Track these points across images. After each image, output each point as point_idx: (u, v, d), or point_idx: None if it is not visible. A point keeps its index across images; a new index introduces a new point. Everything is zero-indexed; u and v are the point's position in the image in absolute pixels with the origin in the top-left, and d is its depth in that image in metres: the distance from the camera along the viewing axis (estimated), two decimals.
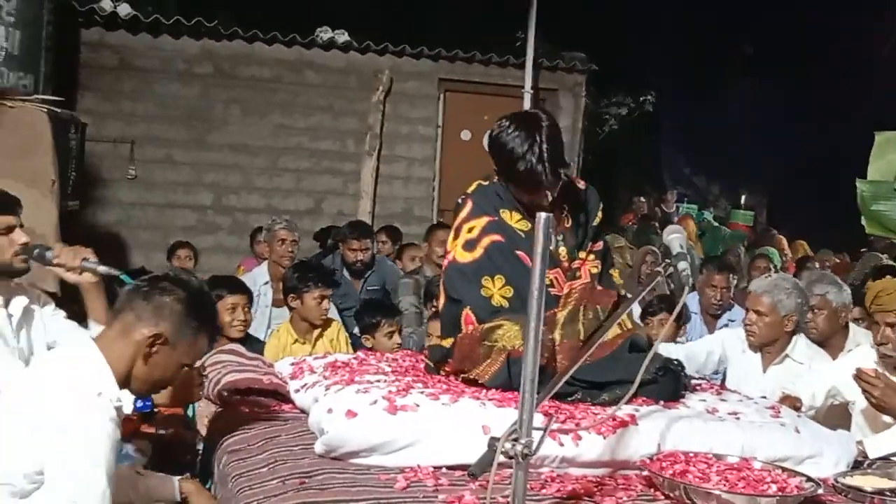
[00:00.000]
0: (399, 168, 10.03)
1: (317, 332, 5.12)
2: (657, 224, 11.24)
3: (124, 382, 2.49)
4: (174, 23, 9.05)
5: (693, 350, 4.73)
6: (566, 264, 3.04)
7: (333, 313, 5.94)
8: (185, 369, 2.63)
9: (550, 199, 2.93)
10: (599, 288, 3.06)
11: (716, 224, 12.91)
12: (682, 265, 2.57)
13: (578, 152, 10.31)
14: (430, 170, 10.20)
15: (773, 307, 4.38)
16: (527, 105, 9.77)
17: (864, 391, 3.41)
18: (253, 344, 4.77)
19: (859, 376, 3.41)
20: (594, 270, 3.07)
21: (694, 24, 14.67)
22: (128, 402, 2.47)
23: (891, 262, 7.26)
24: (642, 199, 13.10)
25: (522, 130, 2.88)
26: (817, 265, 8.53)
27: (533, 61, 9.86)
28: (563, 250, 3.05)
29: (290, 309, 5.18)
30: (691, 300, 6.02)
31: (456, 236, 3.05)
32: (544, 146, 2.85)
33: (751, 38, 16.20)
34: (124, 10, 8.95)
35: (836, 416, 3.86)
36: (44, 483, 2.28)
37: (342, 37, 9.66)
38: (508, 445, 1.91)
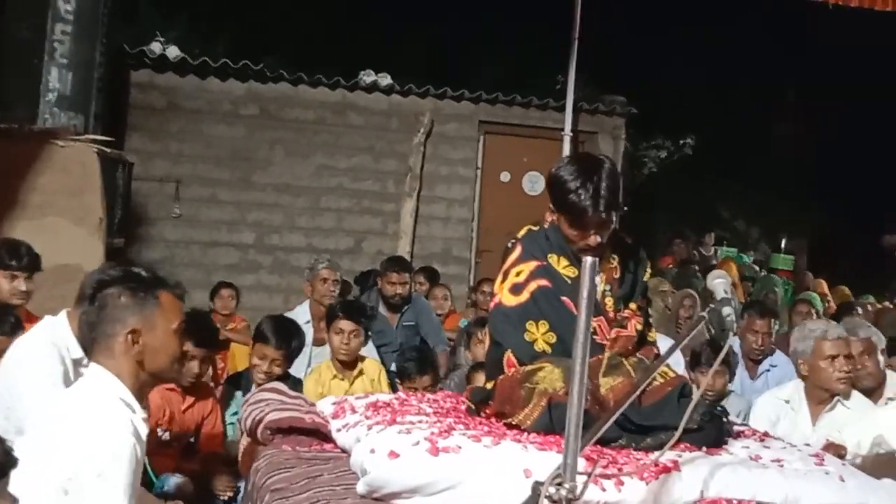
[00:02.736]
0: (438, 209, 10.10)
1: (356, 369, 5.15)
2: (697, 267, 11.17)
3: (139, 397, 2.50)
4: (221, 65, 9.26)
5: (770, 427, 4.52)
6: (611, 314, 3.04)
7: (374, 352, 6.00)
8: (184, 347, 2.63)
9: (598, 241, 2.94)
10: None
11: (757, 269, 12.77)
12: (727, 310, 2.58)
13: None
14: (469, 211, 10.26)
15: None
16: (566, 147, 9.82)
17: None
18: (294, 384, 4.79)
19: None
20: (639, 327, 3.07)
21: (734, 68, 14.66)
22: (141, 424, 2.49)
23: None
24: (681, 242, 13.02)
25: (581, 167, 2.92)
26: (860, 310, 8.42)
27: (573, 104, 9.90)
28: (609, 300, 3.05)
29: None
30: (735, 346, 5.95)
31: (504, 279, 3.07)
32: (601, 184, 2.87)
33: (793, 81, 16.16)
34: (173, 52, 9.18)
35: (885, 464, 3.78)
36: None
37: (385, 80, 9.80)
38: (552, 490, 1.91)
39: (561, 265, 3.04)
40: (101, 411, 2.39)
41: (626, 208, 2.96)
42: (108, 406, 2.40)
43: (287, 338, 4.74)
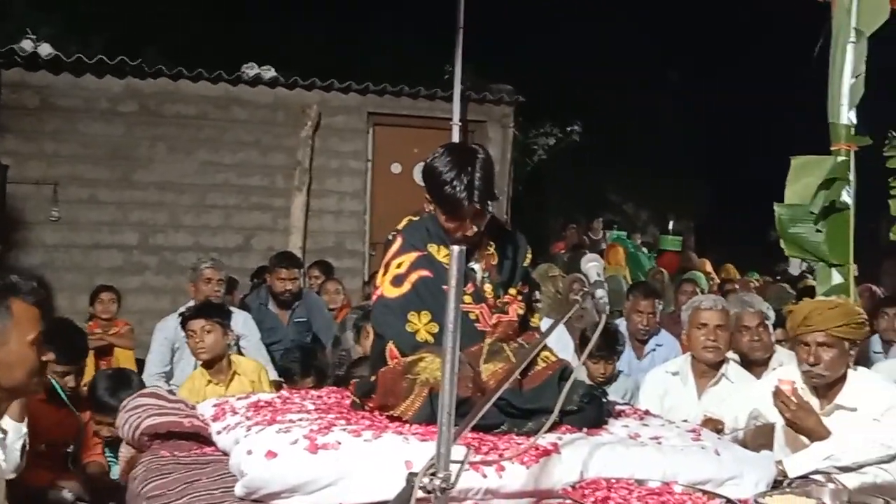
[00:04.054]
0: (329, 202, 10.01)
1: (230, 371, 5.02)
2: (588, 252, 11.34)
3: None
4: (97, 62, 8.95)
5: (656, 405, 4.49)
6: (492, 301, 3.05)
7: (263, 351, 5.90)
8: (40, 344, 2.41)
9: (475, 230, 2.96)
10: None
11: (633, 250, 13.00)
12: (600, 293, 2.62)
13: (508, 182, 10.40)
14: (361, 203, 10.19)
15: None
16: (455, 137, 9.85)
17: (779, 409, 3.46)
18: None
19: (776, 394, 3.47)
20: (520, 312, 3.09)
21: (619, 53, 14.94)
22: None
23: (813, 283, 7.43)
24: (573, 227, 13.25)
25: (455, 158, 2.94)
26: (738, 287, 8.70)
27: (460, 94, 9.94)
28: (488, 287, 3.06)
29: None
30: (621, 327, 6.07)
31: (385, 271, 3.07)
32: (475, 175, 2.89)
33: (677, 65, 16.56)
34: (45, 50, 8.83)
35: (762, 436, 3.89)
36: None
37: (269, 72, 9.65)
38: (426, 480, 1.90)
39: (441, 254, 3.04)
40: None
41: (498, 198, 2.97)
42: None
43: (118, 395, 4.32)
